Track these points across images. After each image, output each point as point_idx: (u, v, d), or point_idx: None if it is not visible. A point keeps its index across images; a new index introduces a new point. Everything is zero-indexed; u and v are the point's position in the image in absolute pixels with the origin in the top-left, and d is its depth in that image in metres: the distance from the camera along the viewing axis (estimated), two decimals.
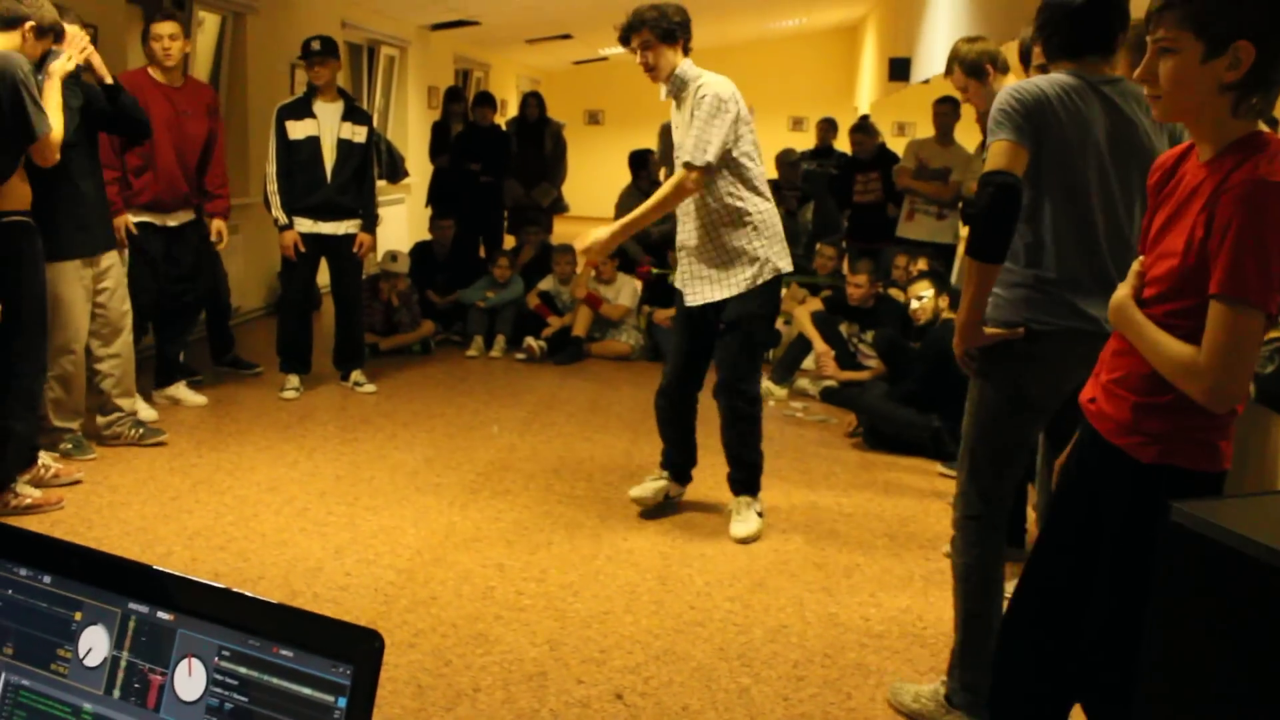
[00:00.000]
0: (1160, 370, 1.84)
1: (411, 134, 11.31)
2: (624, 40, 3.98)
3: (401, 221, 10.77)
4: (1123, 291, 1.94)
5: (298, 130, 5.72)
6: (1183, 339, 1.80)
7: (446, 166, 8.89)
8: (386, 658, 3.08)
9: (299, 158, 5.72)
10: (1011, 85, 2.59)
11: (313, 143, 5.72)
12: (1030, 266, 2.58)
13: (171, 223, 5.30)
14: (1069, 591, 2.07)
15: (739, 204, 3.98)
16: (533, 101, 9.25)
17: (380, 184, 10.45)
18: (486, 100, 8.91)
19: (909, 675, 3.10)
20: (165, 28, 5.13)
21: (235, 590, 0.94)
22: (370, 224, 5.92)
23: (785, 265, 4.04)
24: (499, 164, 8.70)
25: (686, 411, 4.25)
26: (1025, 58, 3.41)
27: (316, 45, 5.77)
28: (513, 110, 13.66)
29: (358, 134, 5.82)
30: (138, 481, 4.42)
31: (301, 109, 5.77)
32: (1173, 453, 1.87)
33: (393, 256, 7.23)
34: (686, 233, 4.08)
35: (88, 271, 4.50)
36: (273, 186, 5.75)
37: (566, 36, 14.17)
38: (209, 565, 3.65)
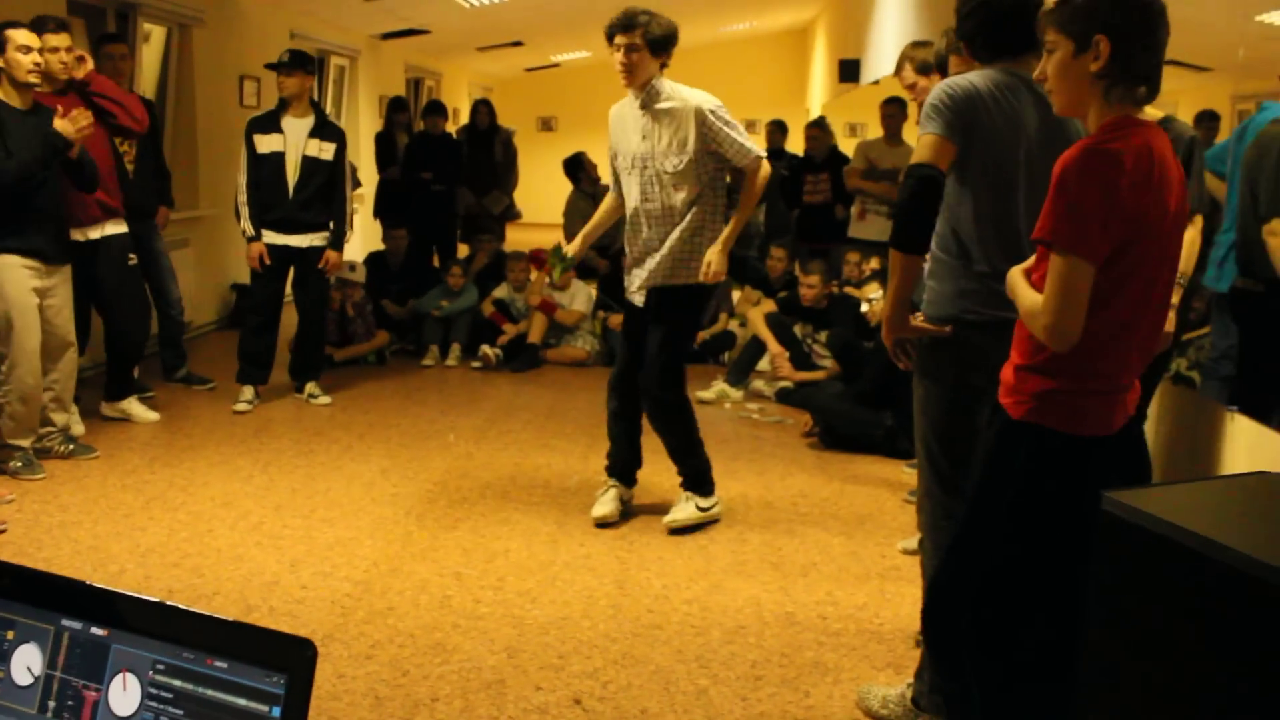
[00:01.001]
0: (1024, 321, 2.09)
1: (363, 144, 11.25)
2: (611, 34, 3.96)
3: (355, 231, 10.72)
4: (1016, 267, 2.19)
5: (264, 144, 5.67)
6: None
7: (397, 177, 8.85)
8: (344, 670, 3.08)
9: (263, 172, 5.67)
10: (945, 81, 2.62)
11: (277, 158, 5.67)
12: (962, 259, 2.61)
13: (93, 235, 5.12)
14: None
15: (718, 212, 4.07)
16: (483, 109, 9.24)
17: None
18: (437, 109, 8.89)
19: (866, 672, 3.13)
20: (50, 40, 4.70)
21: (169, 603, 0.94)
22: (338, 241, 5.86)
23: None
24: (451, 172, 8.68)
25: (636, 406, 4.27)
26: (942, 68, 3.44)
27: (285, 57, 5.74)
28: (464, 118, 13.64)
29: (325, 150, 5.75)
30: (89, 500, 4.37)
31: (269, 123, 5.71)
32: (1039, 412, 2.08)
33: (350, 266, 7.19)
34: (651, 236, 4.07)
35: (36, 280, 4.45)
36: (243, 198, 5.71)
37: (518, 44, 14.15)
38: (163, 582, 3.62)
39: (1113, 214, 1.94)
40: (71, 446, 4.83)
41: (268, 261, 5.70)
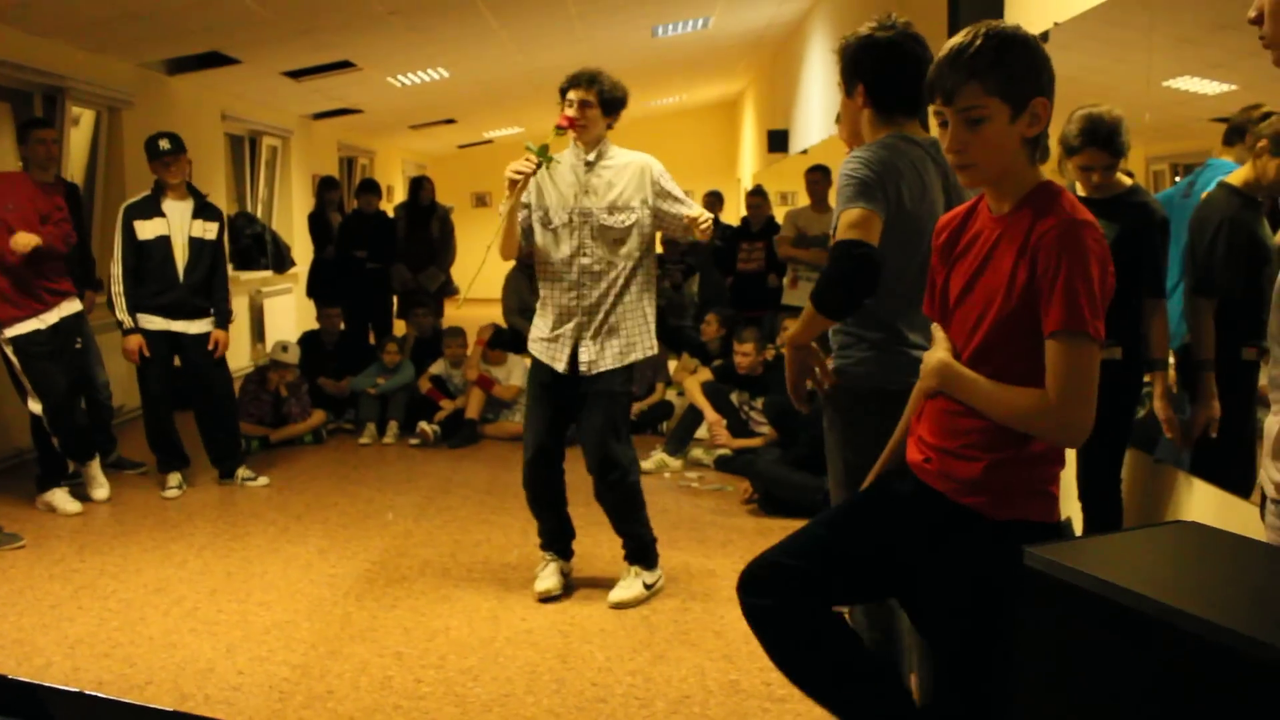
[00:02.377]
0: (1005, 420, 1.91)
1: (297, 223, 11.25)
2: (567, 88, 4.00)
3: (289, 311, 10.67)
4: (940, 353, 2.02)
5: (147, 230, 5.60)
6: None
7: (332, 256, 8.84)
8: None
9: (150, 258, 5.60)
10: (858, 151, 2.62)
11: (164, 242, 5.62)
12: (879, 330, 2.64)
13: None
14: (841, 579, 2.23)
15: (652, 281, 4.12)
16: (425, 185, 9.25)
17: (267, 274, 10.41)
18: (371, 187, 8.91)
19: None
20: None
21: (97, 695, 0.93)
22: (223, 320, 5.80)
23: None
24: (386, 250, 8.69)
25: (558, 481, 4.24)
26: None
27: (166, 144, 5.63)
28: (399, 195, 13.67)
29: (209, 230, 5.74)
30: (13, 591, 4.26)
31: (150, 208, 5.65)
32: (1021, 507, 1.94)
33: (283, 347, 7.14)
34: (593, 300, 4.01)
35: None
36: (118, 288, 5.59)
37: (450, 121, 14.27)
38: (92, 674, 3.53)
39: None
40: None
41: (147, 354, 5.61)
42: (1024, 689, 1.52)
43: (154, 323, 5.64)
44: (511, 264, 8.76)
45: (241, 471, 5.97)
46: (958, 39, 1.94)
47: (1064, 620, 1.43)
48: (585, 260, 4.00)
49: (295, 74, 9.27)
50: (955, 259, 2.04)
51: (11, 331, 5.08)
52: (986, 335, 1.94)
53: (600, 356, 4.02)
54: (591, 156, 4.03)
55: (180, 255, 5.65)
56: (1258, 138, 3.19)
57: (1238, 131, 3.45)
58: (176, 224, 5.66)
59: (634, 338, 4.06)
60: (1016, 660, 1.53)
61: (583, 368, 4.03)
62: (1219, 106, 3.52)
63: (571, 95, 3.99)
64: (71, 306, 5.38)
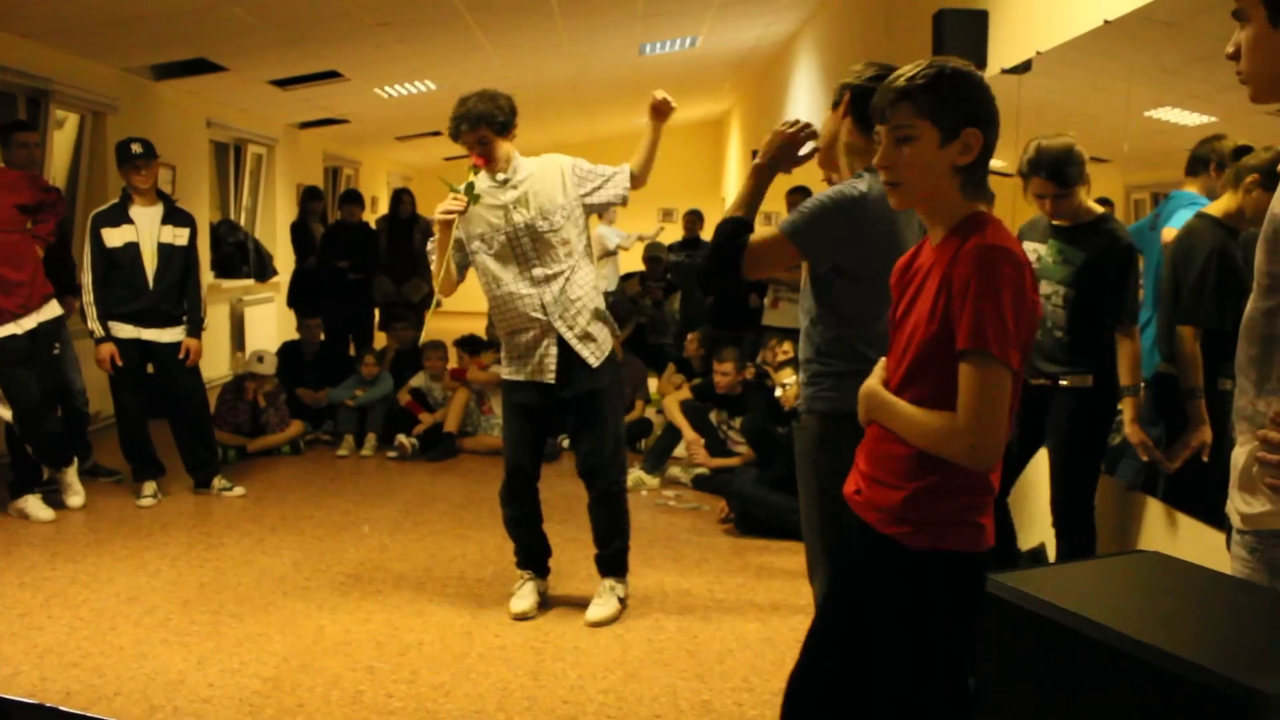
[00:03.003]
0: (921, 443, 1.92)
1: (280, 232, 11.22)
2: (458, 133, 4.02)
3: (270, 321, 10.64)
4: (870, 381, 2.05)
5: (114, 237, 5.55)
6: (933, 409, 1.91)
7: (314, 267, 8.84)
8: None
9: (119, 265, 5.56)
10: (839, 186, 2.63)
11: (132, 249, 5.57)
12: (853, 361, 2.63)
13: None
14: (844, 678, 2.14)
15: (593, 256, 4.21)
16: (405, 199, 9.30)
17: (248, 283, 10.39)
18: (354, 198, 8.92)
19: None
20: None
21: (59, 709, 0.93)
22: (195, 329, 5.78)
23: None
24: (368, 261, 8.69)
25: (535, 500, 4.25)
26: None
27: (138, 148, 5.59)
28: (384, 207, 13.66)
29: (179, 236, 5.70)
30: None
31: (118, 215, 5.60)
32: (942, 537, 1.93)
33: (259, 357, 7.12)
34: (557, 294, 4.03)
35: None
36: (89, 297, 5.56)
37: (436, 133, 14.27)
38: (60, 684, 3.50)
39: (1020, 315, 1.85)
40: None
41: (119, 363, 5.58)
42: (986, 712, 1.54)
43: (125, 330, 5.61)
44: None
45: (217, 481, 5.95)
46: (905, 68, 1.99)
47: (1026, 648, 1.45)
48: (537, 271, 4.03)
49: (282, 83, 9.27)
50: (903, 289, 2.07)
51: None
52: (912, 360, 1.96)
53: (583, 351, 4.06)
54: (507, 174, 4.07)
55: (150, 262, 5.61)
56: (1244, 172, 3.25)
57: (1201, 162, 3.51)
58: (145, 230, 5.61)
59: (600, 331, 4.11)
60: (980, 687, 1.54)
61: (583, 358, 4.07)
62: (1198, 138, 3.56)
63: (467, 139, 4.01)
64: (51, 311, 5.36)
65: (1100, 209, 3.77)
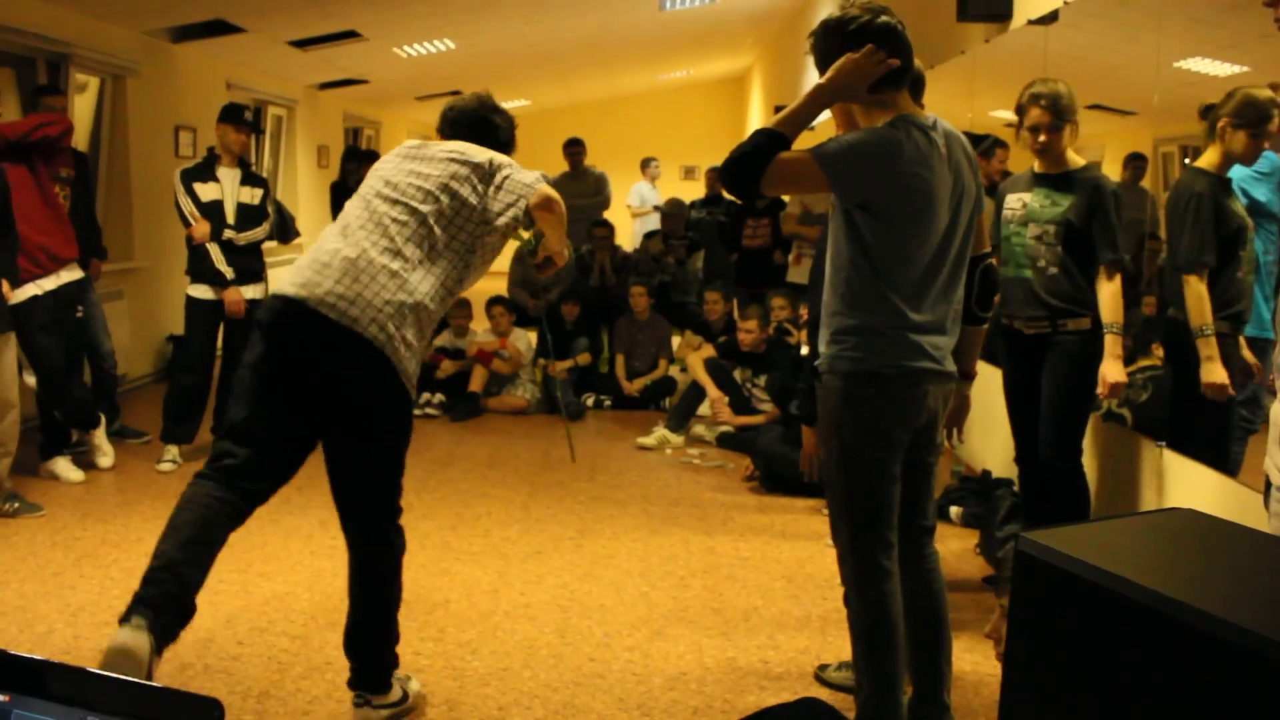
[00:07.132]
0: None
1: (301, 193, 11.22)
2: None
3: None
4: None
5: (204, 193, 5.64)
6: None
7: None
8: None
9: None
10: (877, 127, 2.59)
11: (216, 206, 5.64)
12: (874, 314, 2.58)
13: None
14: None
15: None
16: None
17: (271, 245, 10.37)
18: (372, 158, 8.89)
19: None
20: None
21: (71, 665, 0.93)
22: (252, 279, 5.83)
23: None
24: None
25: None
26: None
27: (249, 115, 5.79)
28: None
29: (255, 197, 5.79)
30: (15, 558, 4.28)
31: (205, 172, 5.69)
32: None
33: None
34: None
35: None
36: (210, 248, 5.59)
37: (456, 93, 14.16)
38: (93, 642, 3.55)
39: None
40: (16, 505, 4.75)
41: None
42: (1015, 672, 1.53)
43: (203, 291, 5.66)
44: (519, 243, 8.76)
45: None
46: None
47: (1060, 607, 1.43)
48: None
49: (301, 43, 9.23)
50: None
51: (11, 299, 5.05)
52: None
53: None
54: None
55: (231, 220, 5.68)
56: (1216, 119, 3.43)
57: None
58: (228, 189, 5.70)
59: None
60: (1008, 644, 1.53)
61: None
62: (1229, 88, 3.51)
63: None
64: (72, 274, 5.37)
65: (1081, 160, 3.82)
